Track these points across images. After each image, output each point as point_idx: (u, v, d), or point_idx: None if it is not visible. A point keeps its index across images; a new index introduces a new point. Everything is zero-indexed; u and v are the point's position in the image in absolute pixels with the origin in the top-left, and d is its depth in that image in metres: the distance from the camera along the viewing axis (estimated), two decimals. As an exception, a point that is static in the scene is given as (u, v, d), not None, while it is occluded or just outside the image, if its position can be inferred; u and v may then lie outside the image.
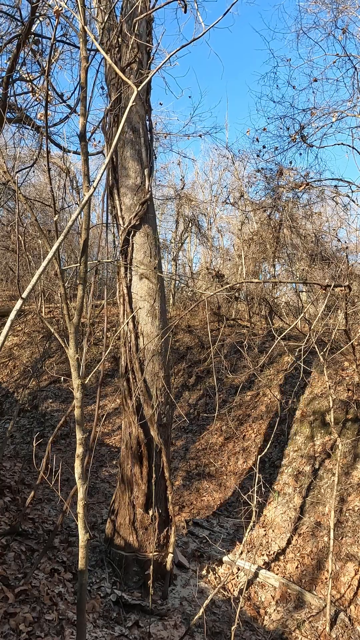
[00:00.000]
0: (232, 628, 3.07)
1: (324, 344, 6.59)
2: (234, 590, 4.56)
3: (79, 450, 2.38)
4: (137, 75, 4.56)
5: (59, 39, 5.85)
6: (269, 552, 4.93)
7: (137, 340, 4.43)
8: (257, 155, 9.28)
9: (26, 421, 8.63)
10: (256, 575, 4.63)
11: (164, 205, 16.28)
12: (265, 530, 5.22)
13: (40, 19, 5.46)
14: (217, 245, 16.49)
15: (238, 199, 12.96)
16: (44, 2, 5.11)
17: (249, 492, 3.71)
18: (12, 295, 16.02)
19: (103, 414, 8.64)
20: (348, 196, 8.83)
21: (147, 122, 4.82)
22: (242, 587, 4.53)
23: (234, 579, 4.73)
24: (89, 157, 4.41)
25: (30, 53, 5.77)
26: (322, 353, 4.65)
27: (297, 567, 4.63)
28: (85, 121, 2.34)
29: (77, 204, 12.18)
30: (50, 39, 5.57)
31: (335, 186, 8.78)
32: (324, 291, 5.32)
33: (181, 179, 14.93)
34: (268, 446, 4.52)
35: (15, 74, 5.50)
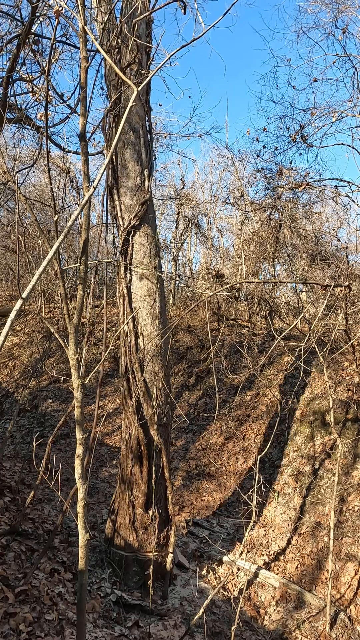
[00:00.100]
0: (232, 628, 3.07)
1: (324, 344, 6.59)
2: (234, 590, 4.56)
3: (79, 450, 2.38)
4: (137, 75, 4.56)
5: (59, 39, 5.86)
6: (269, 552, 4.93)
7: (137, 340, 4.43)
8: (257, 155, 9.29)
9: (26, 421, 8.63)
10: (256, 575, 4.63)
11: (164, 205, 16.28)
12: (265, 530, 5.22)
13: (40, 19, 5.46)
14: (217, 245, 16.50)
15: (238, 199, 12.96)
16: (44, 2, 5.12)
17: (249, 492, 3.71)
18: (12, 295, 16.03)
19: (103, 414, 8.64)
20: (348, 196, 8.84)
21: (147, 123, 4.82)
22: (242, 587, 4.53)
23: (234, 579, 4.73)
24: (89, 157, 4.41)
25: (30, 53, 5.77)
26: (322, 353, 4.65)
27: (297, 567, 4.63)
28: (85, 121, 2.34)
29: (77, 204, 12.18)
30: (50, 39, 5.57)
31: (335, 186, 8.78)
32: (324, 291, 5.32)
33: (181, 179, 14.95)
34: (268, 446, 4.52)
35: (15, 74, 5.50)
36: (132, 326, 4.43)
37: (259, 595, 4.46)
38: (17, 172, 8.08)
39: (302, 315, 5.12)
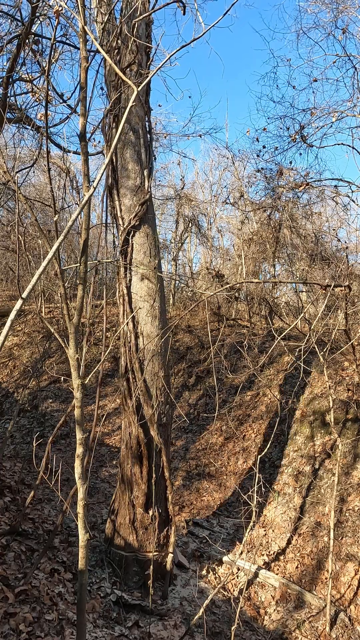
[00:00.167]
0: (232, 628, 3.07)
1: (324, 344, 6.59)
2: (234, 590, 4.56)
3: (79, 450, 2.39)
4: (137, 76, 4.57)
5: (59, 39, 5.86)
6: (269, 552, 4.93)
7: (137, 340, 4.43)
8: (257, 155, 9.29)
9: (26, 421, 8.63)
10: (256, 575, 4.63)
11: (164, 205, 16.28)
12: (265, 530, 5.22)
13: (41, 19, 5.46)
14: (217, 245, 16.50)
15: (238, 199, 12.96)
16: (44, 2, 5.12)
17: (249, 492, 3.71)
18: (12, 295, 16.03)
19: (103, 414, 8.64)
20: (348, 196, 8.84)
21: (147, 123, 4.82)
22: (242, 587, 4.54)
23: (234, 579, 4.73)
24: (89, 157, 4.41)
25: (30, 53, 5.77)
26: (322, 353, 4.65)
27: (297, 567, 4.63)
28: (85, 121, 2.34)
29: (77, 204, 12.18)
30: (50, 39, 5.57)
31: (335, 186, 8.78)
32: (324, 291, 5.32)
33: (181, 179, 14.95)
34: (268, 446, 4.52)
35: (15, 74, 5.51)
36: (132, 326, 4.43)
37: (259, 595, 4.46)
38: (17, 172, 8.08)
39: (302, 315, 5.12)
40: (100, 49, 2.76)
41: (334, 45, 21.12)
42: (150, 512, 4.28)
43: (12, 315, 2.11)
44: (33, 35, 5.50)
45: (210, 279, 12.30)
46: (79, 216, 2.35)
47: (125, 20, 4.50)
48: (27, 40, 5.31)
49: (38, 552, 4.17)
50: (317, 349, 4.49)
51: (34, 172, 13.50)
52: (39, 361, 10.51)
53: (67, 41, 6.01)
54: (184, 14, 3.15)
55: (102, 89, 5.30)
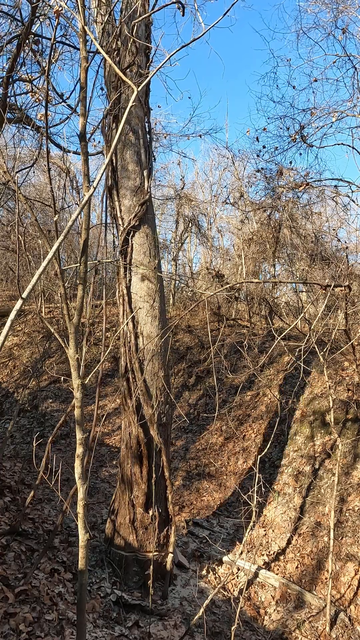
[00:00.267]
0: (232, 628, 3.07)
1: (324, 344, 6.59)
2: (234, 590, 4.56)
3: (79, 450, 2.39)
4: (136, 77, 4.57)
5: (59, 39, 5.86)
6: (269, 552, 4.93)
7: (137, 340, 4.43)
8: (257, 155, 9.29)
9: (26, 421, 8.63)
10: (256, 575, 4.63)
11: (164, 205, 16.28)
12: (265, 530, 5.22)
13: (41, 19, 5.46)
14: (217, 245, 16.51)
15: (238, 199, 12.96)
16: (44, 2, 5.12)
17: (249, 492, 3.71)
18: (12, 295, 16.03)
19: (103, 414, 8.64)
20: (348, 196, 8.84)
21: (147, 124, 4.82)
22: (242, 587, 4.54)
23: (234, 579, 4.73)
24: (89, 157, 4.41)
25: (30, 53, 5.77)
26: (322, 353, 4.65)
27: (297, 567, 4.63)
28: (85, 121, 2.34)
29: (77, 204, 12.18)
30: (50, 39, 5.57)
31: (335, 186, 8.78)
32: (324, 291, 5.32)
33: (181, 179, 14.95)
34: (268, 446, 4.52)
35: (15, 74, 5.51)
36: (132, 326, 4.43)
37: (259, 595, 4.46)
38: (17, 172, 8.08)
39: (302, 315, 5.12)
40: (100, 49, 2.76)
41: (334, 45, 21.13)
42: (150, 512, 4.28)
43: (12, 315, 2.11)
44: (33, 35, 5.50)
45: (210, 279, 12.30)
46: (79, 216, 2.35)
47: (125, 20, 4.50)
48: (27, 40, 5.31)
49: (38, 552, 4.17)
50: (317, 349, 4.49)
51: (34, 172, 13.51)
52: (39, 361, 10.52)
53: (67, 41, 6.02)
54: (183, 14, 3.15)
55: (102, 89, 5.30)
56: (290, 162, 12.59)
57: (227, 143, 25.81)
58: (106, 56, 2.50)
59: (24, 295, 2.12)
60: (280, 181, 9.70)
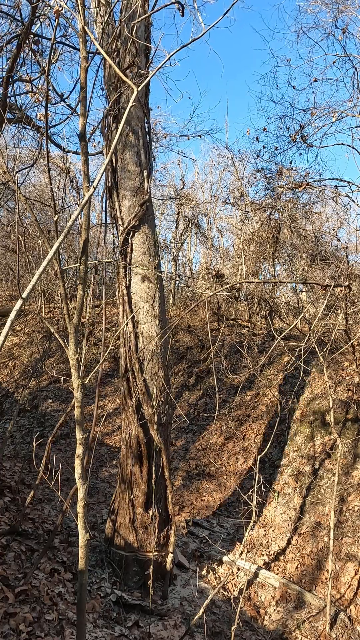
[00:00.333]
0: (232, 628, 3.07)
1: (324, 344, 6.59)
2: (234, 590, 4.56)
3: (79, 450, 2.39)
4: (136, 78, 4.57)
5: (59, 39, 5.85)
6: (269, 552, 4.93)
7: (137, 340, 4.44)
8: (257, 155, 9.29)
9: (26, 421, 8.63)
10: (256, 575, 4.63)
11: (164, 205, 16.29)
12: (265, 530, 5.22)
13: (41, 19, 5.46)
14: (217, 245, 16.51)
15: (238, 199, 12.96)
16: (44, 2, 5.12)
17: (249, 492, 3.71)
18: (12, 295, 16.03)
19: (103, 414, 8.64)
20: (348, 196, 8.84)
21: (146, 125, 4.83)
22: (242, 587, 4.54)
23: (234, 579, 4.73)
24: (89, 157, 4.41)
25: (30, 53, 5.77)
26: (322, 353, 4.65)
27: (297, 567, 4.63)
28: (85, 121, 2.34)
29: (77, 204, 12.19)
30: (50, 39, 5.57)
31: (335, 186, 8.78)
32: (324, 291, 5.33)
33: (181, 179, 14.96)
34: (268, 446, 4.52)
35: (15, 74, 5.50)
36: (132, 326, 4.44)
37: (259, 595, 4.46)
38: (17, 172, 8.09)
39: (302, 315, 5.12)
40: (100, 49, 2.76)
41: (334, 45, 21.12)
42: (150, 512, 4.28)
43: (12, 315, 2.11)
44: (33, 35, 5.50)
45: (210, 279, 12.31)
46: (79, 216, 2.35)
47: (125, 20, 4.50)
48: (27, 40, 5.31)
49: (38, 552, 4.17)
50: (317, 349, 4.49)
51: (34, 172, 13.51)
52: (39, 361, 10.52)
53: (67, 42, 6.01)
54: (183, 15, 3.15)
55: (102, 89, 5.30)
56: (290, 162, 12.60)
57: (227, 143, 25.85)
58: (106, 56, 2.50)
59: (24, 295, 2.12)
60: (280, 181, 9.71)
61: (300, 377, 6.88)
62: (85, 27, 2.29)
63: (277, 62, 26.34)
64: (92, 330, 11.13)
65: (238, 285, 10.06)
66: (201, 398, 8.47)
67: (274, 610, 4.26)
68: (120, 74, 2.42)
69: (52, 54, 4.17)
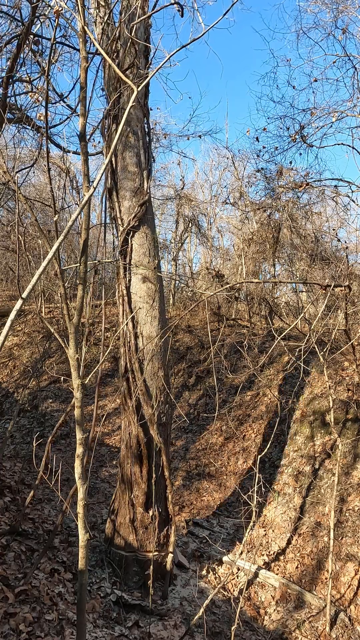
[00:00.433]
0: (232, 628, 3.07)
1: (324, 344, 6.59)
2: (234, 590, 4.56)
3: (79, 450, 2.39)
4: (136, 78, 4.58)
5: (59, 40, 5.86)
6: (269, 552, 4.93)
7: (137, 340, 4.44)
8: (257, 155, 9.30)
9: (26, 421, 8.63)
10: (256, 575, 4.63)
11: (164, 205, 16.29)
12: (265, 530, 5.22)
13: (41, 19, 5.46)
14: (217, 245, 16.51)
15: (238, 199, 12.96)
16: (44, 2, 5.12)
17: (249, 492, 3.71)
18: (12, 295, 16.03)
19: (103, 414, 8.64)
20: (348, 196, 8.84)
21: (146, 125, 4.83)
22: (242, 587, 4.54)
23: (234, 579, 4.73)
24: (89, 157, 4.41)
25: (30, 53, 5.77)
26: (322, 353, 4.66)
27: (297, 567, 4.63)
28: (85, 122, 2.34)
29: (77, 204, 12.19)
30: (50, 39, 5.57)
31: (335, 186, 8.78)
32: (324, 291, 5.33)
33: (181, 179, 14.96)
34: (268, 446, 4.52)
35: (15, 74, 5.51)
36: (132, 326, 4.44)
37: (259, 595, 4.46)
38: (17, 172, 8.09)
39: (302, 315, 5.12)
40: (100, 49, 2.76)
41: (334, 45, 21.13)
42: (150, 512, 4.28)
43: (12, 315, 2.11)
44: (33, 36, 5.50)
45: (210, 279, 12.31)
46: (79, 216, 2.35)
47: (124, 20, 4.50)
48: (27, 41, 5.31)
49: (38, 552, 4.18)
50: (317, 349, 4.49)
51: (34, 172, 13.51)
52: (39, 361, 10.52)
53: (67, 42, 6.02)
54: (182, 15, 3.15)
55: (102, 89, 5.30)
56: (290, 162, 12.58)
57: (227, 143, 25.85)
58: (106, 57, 2.50)
59: (24, 295, 2.12)
60: (280, 181, 9.71)
61: (300, 377, 6.88)
62: (85, 28, 2.29)
63: (277, 62, 26.37)
64: (92, 330, 11.13)
65: (238, 285, 10.06)
66: (201, 398, 8.48)
67: (274, 610, 4.26)
68: (120, 74, 2.42)
69: (52, 54, 4.18)
